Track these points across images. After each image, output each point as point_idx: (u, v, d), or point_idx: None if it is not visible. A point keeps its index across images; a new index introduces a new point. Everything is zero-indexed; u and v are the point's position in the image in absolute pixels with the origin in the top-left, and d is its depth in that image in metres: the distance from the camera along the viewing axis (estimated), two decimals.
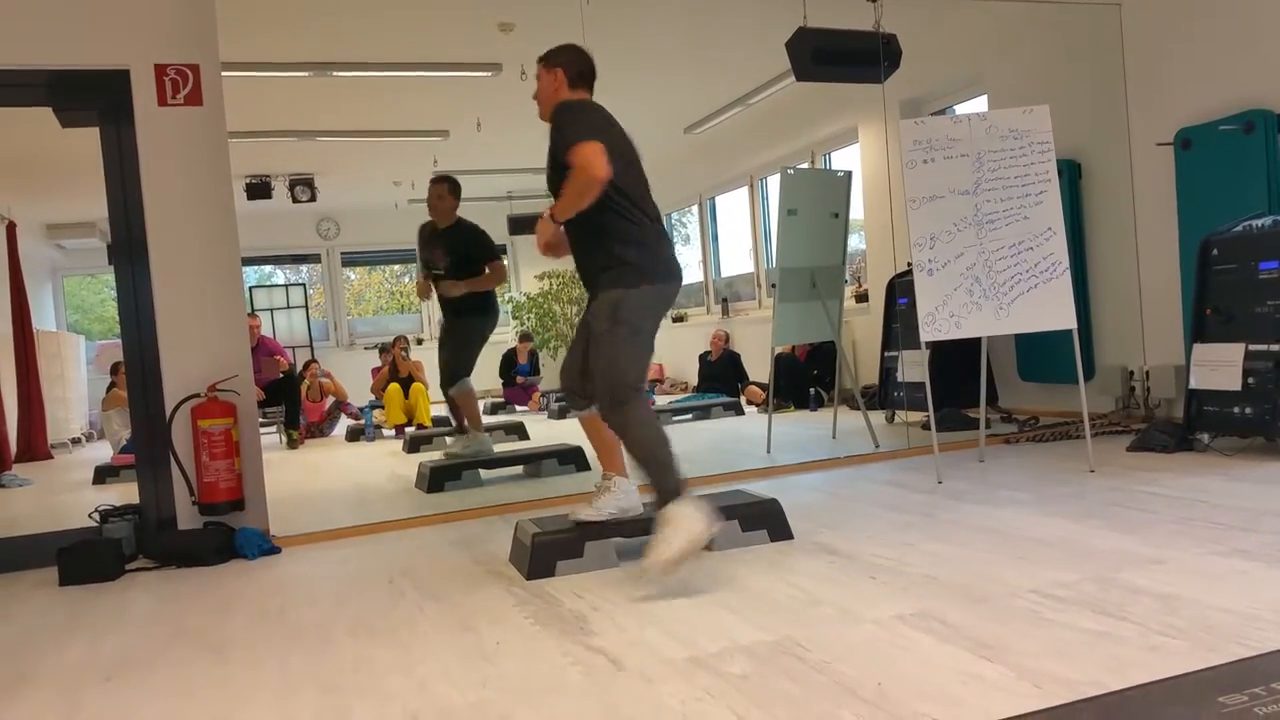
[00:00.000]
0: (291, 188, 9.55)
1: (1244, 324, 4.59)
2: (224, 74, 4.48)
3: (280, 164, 9.34)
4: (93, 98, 4.39)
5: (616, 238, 3.32)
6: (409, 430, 8.64)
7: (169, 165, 4.40)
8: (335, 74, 7.02)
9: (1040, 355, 6.31)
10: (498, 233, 9.42)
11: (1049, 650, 2.27)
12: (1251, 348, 4.53)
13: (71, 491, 6.36)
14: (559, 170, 3.31)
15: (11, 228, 7.02)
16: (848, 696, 2.10)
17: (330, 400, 9.61)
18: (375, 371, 9.59)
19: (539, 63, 3.60)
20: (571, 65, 3.53)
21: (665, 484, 3.16)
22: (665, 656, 2.47)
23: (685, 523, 3.04)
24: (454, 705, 2.27)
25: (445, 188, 6.03)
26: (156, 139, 4.39)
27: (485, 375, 9.90)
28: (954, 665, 2.23)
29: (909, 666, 2.25)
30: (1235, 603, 2.50)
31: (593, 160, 3.14)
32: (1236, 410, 4.56)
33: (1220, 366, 4.64)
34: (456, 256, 5.96)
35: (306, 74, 6.94)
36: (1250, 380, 4.50)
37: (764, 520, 3.64)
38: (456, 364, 6.03)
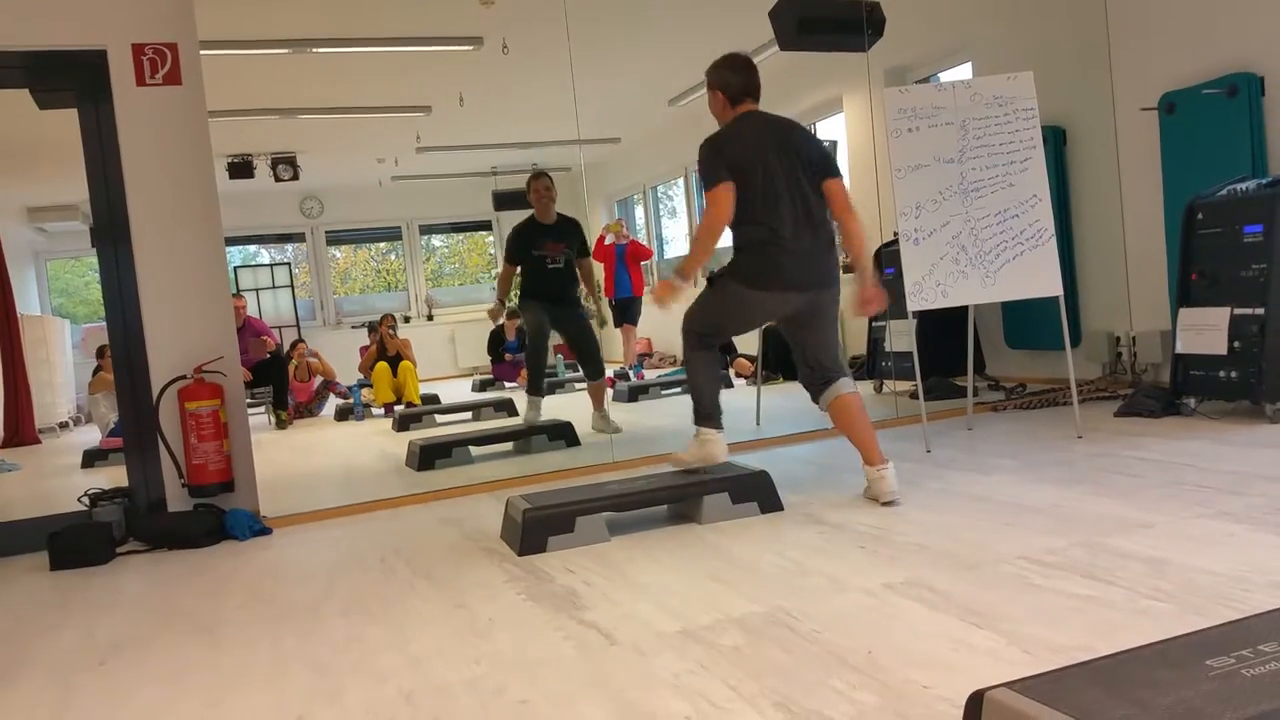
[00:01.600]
0: (274, 166, 9.46)
1: (1229, 287, 4.61)
2: (203, 53, 4.43)
3: (262, 143, 9.26)
4: (70, 78, 4.34)
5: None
6: (398, 409, 8.62)
7: (149, 146, 4.36)
8: (315, 51, 6.95)
9: (1027, 322, 6.33)
10: (483, 208, 9.40)
11: (1038, 616, 2.29)
12: (1237, 311, 4.54)
13: (60, 476, 6.33)
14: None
15: None
16: (839, 665, 2.12)
17: (318, 380, 9.58)
18: (363, 350, 9.56)
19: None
20: (729, 85, 3.81)
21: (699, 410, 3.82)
22: (657, 629, 2.48)
23: (708, 446, 3.76)
24: (448, 682, 2.28)
25: (550, 181, 6.11)
26: (136, 119, 4.35)
27: (474, 352, 9.91)
28: (943, 632, 2.25)
29: (899, 634, 2.27)
30: (1222, 565, 2.52)
31: (715, 201, 3.59)
32: (1222, 374, 4.58)
33: (1206, 330, 4.66)
34: (572, 251, 6.15)
35: (286, 51, 6.87)
36: (1236, 344, 4.52)
37: (754, 492, 3.66)
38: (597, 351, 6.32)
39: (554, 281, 6.13)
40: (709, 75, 3.86)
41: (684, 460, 3.80)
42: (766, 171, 3.61)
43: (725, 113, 3.82)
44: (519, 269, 6.18)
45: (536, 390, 6.20)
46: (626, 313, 8.23)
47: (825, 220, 3.74)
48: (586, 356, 6.33)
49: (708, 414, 3.80)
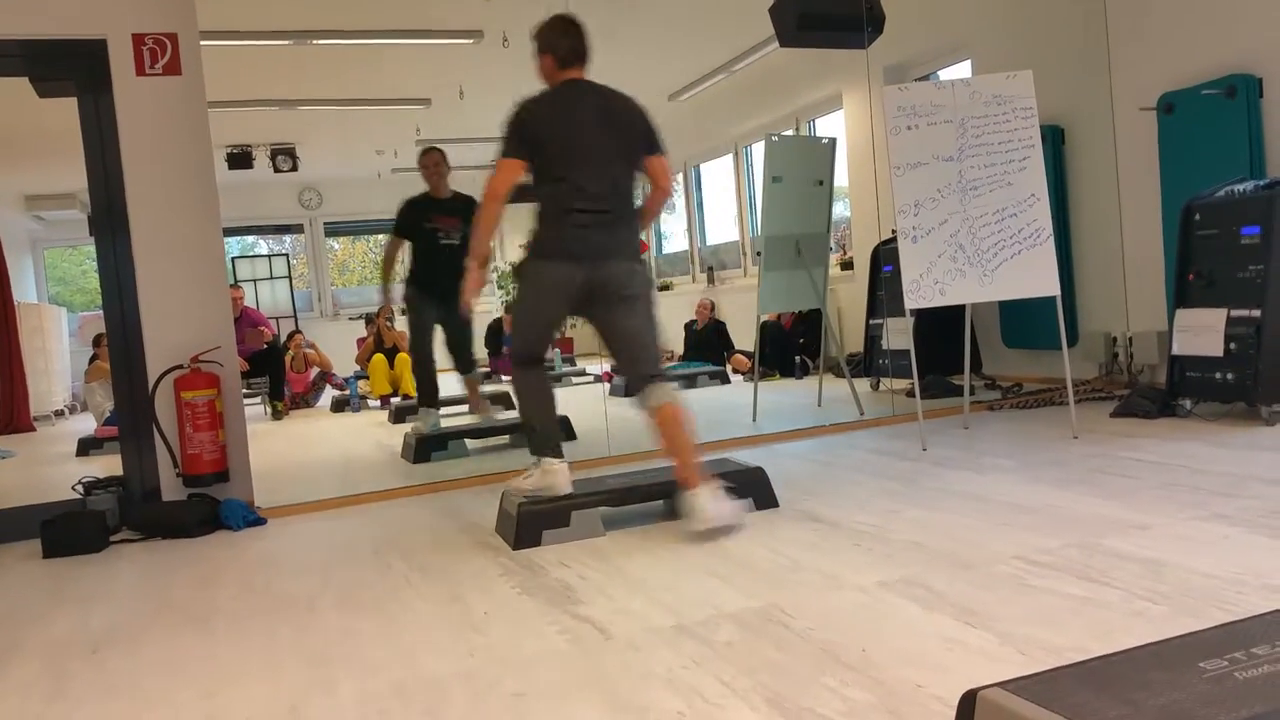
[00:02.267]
0: (273, 157, 9.44)
1: (1226, 289, 4.61)
2: (203, 43, 4.42)
3: (261, 134, 9.24)
4: (70, 68, 4.34)
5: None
6: (394, 400, 8.61)
7: (148, 135, 4.36)
8: (316, 42, 6.93)
9: (1024, 322, 6.33)
10: None
11: (1033, 616, 2.29)
12: (1233, 313, 4.55)
13: (55, 464, 6.32)
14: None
15: None
16: (833, 663, 2.12)
17: (315, 371, 9.57)
18: (360, 342, 9.54)
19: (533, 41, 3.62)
20: (557, 47, 3.55)
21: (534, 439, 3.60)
22: (652, 625, 2.48)
23: (549, 476, 3.53)
24: (441, 675, 2.28)
25: (442, 155, 5.83)
26: (135, 109, 4.34)
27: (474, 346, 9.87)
28: (938, 631, 2.25)
29: (893, 633, 2.27)
30: (1217, 567, 2.52)
31: (498, 170, 3.42)
32: (1218, 376, 4.59)
33: (1202, 332, 4.66)
34: (467, 230, 5.55)
35: (287, 42, 6.85)
36: (1232, 345, 4.52)
37: (750, 488, 3.66)
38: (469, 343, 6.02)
39: (448, 261, 5.49)
40: (536, 39, 3.58)
41: (523, 489, 3.54)
42: (575, 141, 3.41)
43: (554, 77, 3.55)
44: (411, 246, 5.83)
45: (430, 400, 5.86)
46: None
47: (629, 198, 3.53)
48: (459, 351, 6.07)
49: (544, 442, 3.56)
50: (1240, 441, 4.13)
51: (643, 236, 3.64)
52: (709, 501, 3.32)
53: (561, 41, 3.54)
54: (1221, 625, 2.05)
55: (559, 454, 3.57)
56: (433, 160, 5.93)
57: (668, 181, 3.63)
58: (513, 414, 6.83)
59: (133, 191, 4.35)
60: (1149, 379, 5.72)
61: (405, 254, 5.93)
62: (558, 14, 3.62)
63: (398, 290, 6.03)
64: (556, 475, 3.53)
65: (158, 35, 4.35)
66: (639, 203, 3.64)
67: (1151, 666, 1.74)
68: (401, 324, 9.53)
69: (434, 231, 5.77)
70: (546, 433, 3.57)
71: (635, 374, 3.47)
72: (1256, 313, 4.45)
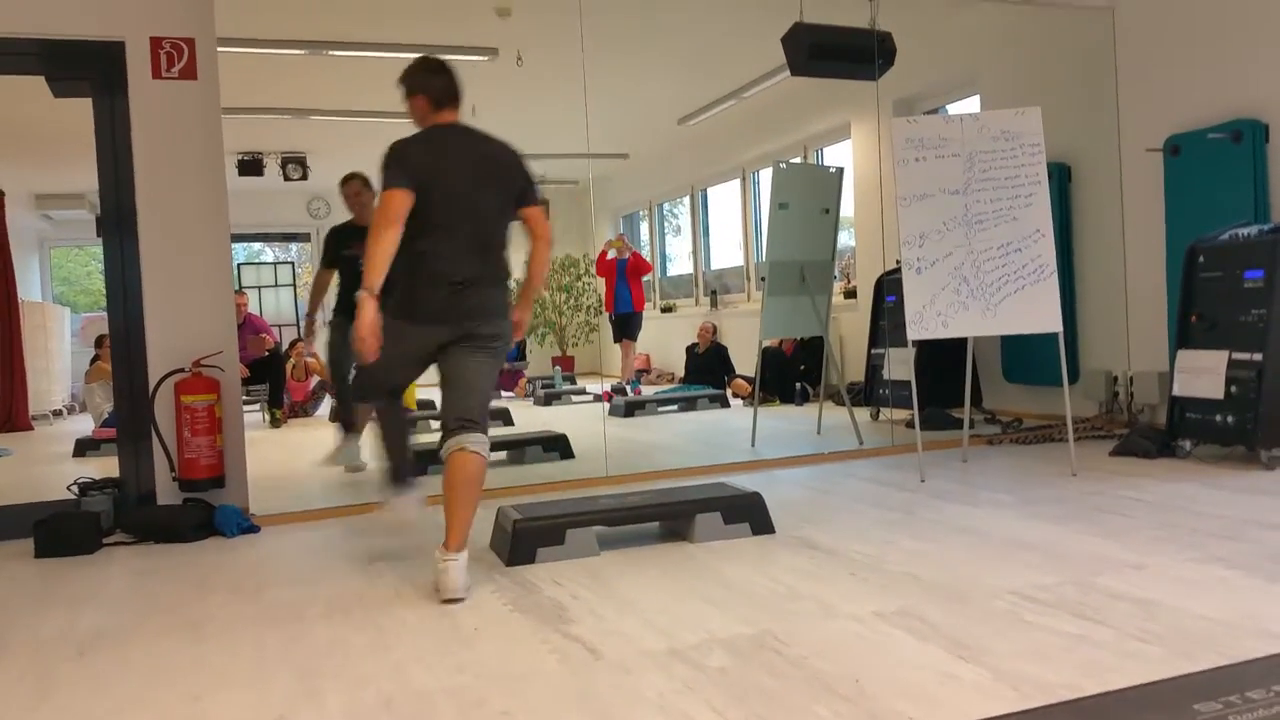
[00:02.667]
0: (283, 166, 9.47)
1: (1228, 332, 4.61)
2: (219, 49, 4.44)
3: (273, 141, 9.27)
4: (87, 68, 4.36)
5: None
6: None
7: (161, 138, 4.38)
8: (331, 53, 6.98)
9: (1025, 357, 6.33)
10: None
11: (1027, 652, 2.28)
12: (1235, 356, 4.55)
13: (51, 463, 6.31)
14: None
15: None
16: (825, 692, 2.11)
17: (315, 380, 9.56)
18: None
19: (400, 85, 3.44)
20: (431, 88, 3.38)
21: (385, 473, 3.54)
22: (644, 647, 2.47)
23: (395, 511, 3.51)
24: (429, 690, 2.26)
25: (364, 182, 5.60)
26: (150, 112, 4.37)
27: None
28: (932, 664, 2.24)
29: (887, 664, 2.26)
30: (1213, 610, 2.51)
31: (384, 203, 3.14)
32: (1219, 418, 4.58)
33: (1203, 374, 4.66)
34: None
35: (302, 52, 6.89)
36: (1233, 388, 4.52)
37: (747, 513, 3.65)
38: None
39: None
40: (406, 81, 3.39)
41: (385, 520, 3.60)
42: (447, 189, 3.21)
43: (427, 119, 3.38)
44: (336, 274, 5.58)
45: (351, 424, 5.49)
46: (626, 328, 8.23)
47: (501, 253, 3.34)
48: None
49: (393, 477, 3.50)
50: (1239, 485, 4.12)
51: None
52: (459, 573, 3.03)
53: (434, 81, 3.37)
54: (1216, 668, 2.05)
55: (405, 487, 3.48)
56: (353, 189, 5.77)
57: (546, 230, 3.43)
58: (510, 430, 6.83)
59: (143, 194, 4.36)
60: (1149, 419, 5.71)
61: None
62: (425, 56, 3.47)
63: (319, 320, 5.86)
64: (400, 510, 3.48)
65: (175, 39, 4.37)
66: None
67: (1145, 707, 1.73)
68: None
69: (355, 259, 5.57)
70: (393, 467, 3.49)
71: (455, 414, 3.18)
72: (1258, 357, 4.45)
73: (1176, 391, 4.81)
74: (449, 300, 3.20)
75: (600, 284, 9.15)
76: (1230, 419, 4.53)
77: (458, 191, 3.23)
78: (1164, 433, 4.90)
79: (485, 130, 3.42)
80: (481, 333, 3.23)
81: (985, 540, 3.40)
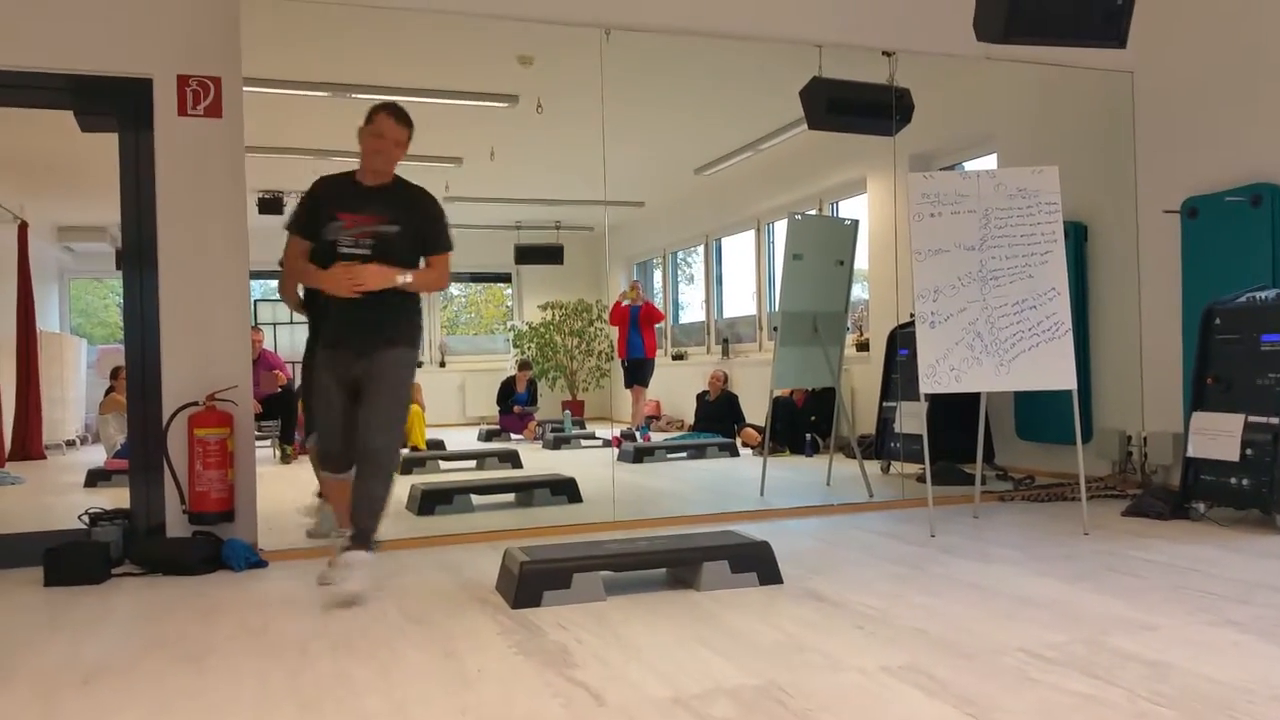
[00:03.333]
0: None
1: (1244, 395, 4.60)
2: (245, 89, 4.52)
3: (294, 181, 9.34)
4: (115, 104, 4.44)
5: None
6: (402, 452, 8.60)
7: (184, 174, 4.44)
8: (353, 96, 7.07)
9: (1039, 414, 6.31)
10: (504, 261, 9.45)
11: (1035, 710, 2.26)
12: (1251, 419, 4.53)
13: (62, 493, 6.32)
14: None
15: (23, 228, 7.04)
16: None
17: None
18: None
19: (407, 128, 3.85)
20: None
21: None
22: (648, 694, 2.45)
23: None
24: None
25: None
26: (174, 148, 4.43)
27: (483, 402, 9.91)
28: None
29: (893, 719, 2.24)
30: (1226, 674, 2.48)
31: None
32: (1233, 481, 4.55)
33: (1219, 436, 4.64)
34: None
35: (325, 94, 6.99)
36: (1249, 452, 4.50)
37: (754, 563, 3.63)
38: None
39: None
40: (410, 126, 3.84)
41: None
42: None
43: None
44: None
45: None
46: (637, 373, 8.24)
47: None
48: None
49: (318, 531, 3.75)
50: (1253, 548, 4.08)
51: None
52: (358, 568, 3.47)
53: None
54: None
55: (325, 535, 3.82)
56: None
57: None
58: (518, 473, 6.82)
59: (164, 228, 4.42)
60: (1163, 480, 5.68)
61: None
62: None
63: None
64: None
65: (202, 78, 4.45)
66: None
67: None
68: (415, 376, 9.52)
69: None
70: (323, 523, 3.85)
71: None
72: (1275, 420, 4.43)
73: (1191, 453, 4.78)
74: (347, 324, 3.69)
75: (613, 330, 9.18)
76: (1245, 482, 4.50)
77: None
78: (1178, 494, 4.86)
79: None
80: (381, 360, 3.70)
81: (995, 597, 3.37)
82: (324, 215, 3.67)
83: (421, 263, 3.76)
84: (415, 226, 3.74)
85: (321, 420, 3.71)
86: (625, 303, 8.42)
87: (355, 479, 3.60)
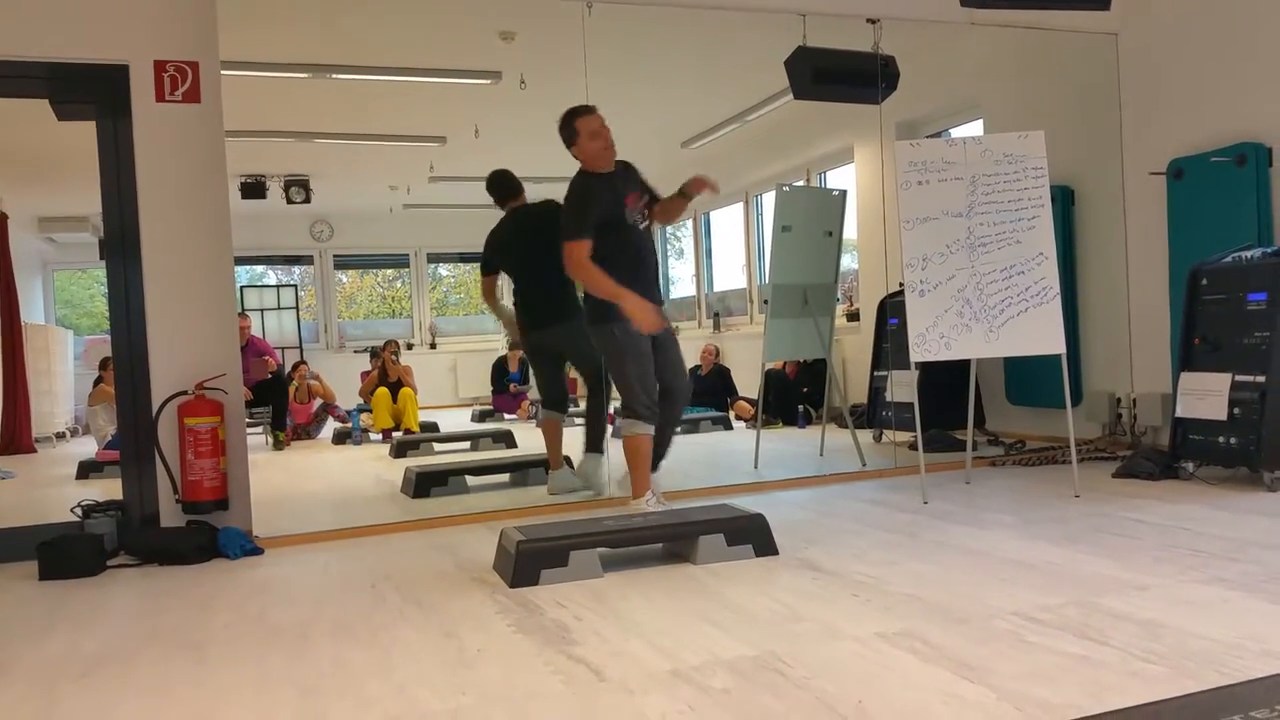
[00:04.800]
0: (286, 189, 9.52)
1: (1231, 354, 4.62)
2: (223, 72, 4.48)
3: (276, 164, 9.32)
4: (91, 91, 4.39)
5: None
6: (396, 435, 8.61)
7: (165, 162, 4.40)
8: (334, 76, 7.02)
9: (1028, 379, 6.33)
10: None
11: (1030, 673, 2.28)
12: (1238, 378, 4.55)
13: (54, 486, 6.32)
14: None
15: (3, 220, 7.00)
16: (828, 713, 2.10)
17: (318, 402, 9.57)
18: (364, 375, 9.56)
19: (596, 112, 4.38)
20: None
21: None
22: (647, 668, 2.47)
23: None
24: (433, 711, 2.26)
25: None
26: (153, 135, 4.39)
27: (476, 383, 9.91)
28: (935, 685, 2.24)
29: (890, 685, 2.25)
30: (1216, 631, 2.50)
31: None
32: (1222, 440, 4.58)
33: (1207, 396, 4.66)
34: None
35: (305, 75, 6.94)
36: (1236, 410, 4.52)
37: (749, 535, 3.64)
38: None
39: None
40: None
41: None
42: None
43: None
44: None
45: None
46: None
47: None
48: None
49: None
50: (1242, 506, 4.11)
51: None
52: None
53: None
54: (1220, 688, 2.04)
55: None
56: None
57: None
58: (513, 452, 6.82)
59: (146, 217, 4.38)
60: (1152, 441, 5.71)
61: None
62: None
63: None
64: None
65: (179, 63, 4.41)
66: None
67: None
68: (407, 359, 9.55)
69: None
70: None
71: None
72: (1261, 378, 4.45)
73: (1179, 413, 4.80)
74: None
75: None
76: (1233, 441, 4.53)
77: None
78: (1167, 454, 4.90)
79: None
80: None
81: (988, 561, 3.39)
82: (615, 204, 4.35)
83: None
84: (645, 187, 4.61)
85: (649, 379, 4.32)
86: None
87: (668, 414, 4.42)
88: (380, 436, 8.85)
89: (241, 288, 10.77)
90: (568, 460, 5.50)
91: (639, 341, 4.28)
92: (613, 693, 2.31)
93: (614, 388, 4.62)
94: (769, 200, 8.90)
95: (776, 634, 2.70)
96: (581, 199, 4.31)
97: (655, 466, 4.36)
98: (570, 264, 4.26)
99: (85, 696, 2.50)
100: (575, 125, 4.33)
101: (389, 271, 12.81)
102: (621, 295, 4.16)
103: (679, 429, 7.12)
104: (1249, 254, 4.71)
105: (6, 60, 4.23)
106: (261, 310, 10.90)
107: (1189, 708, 1.90)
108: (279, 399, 8.74)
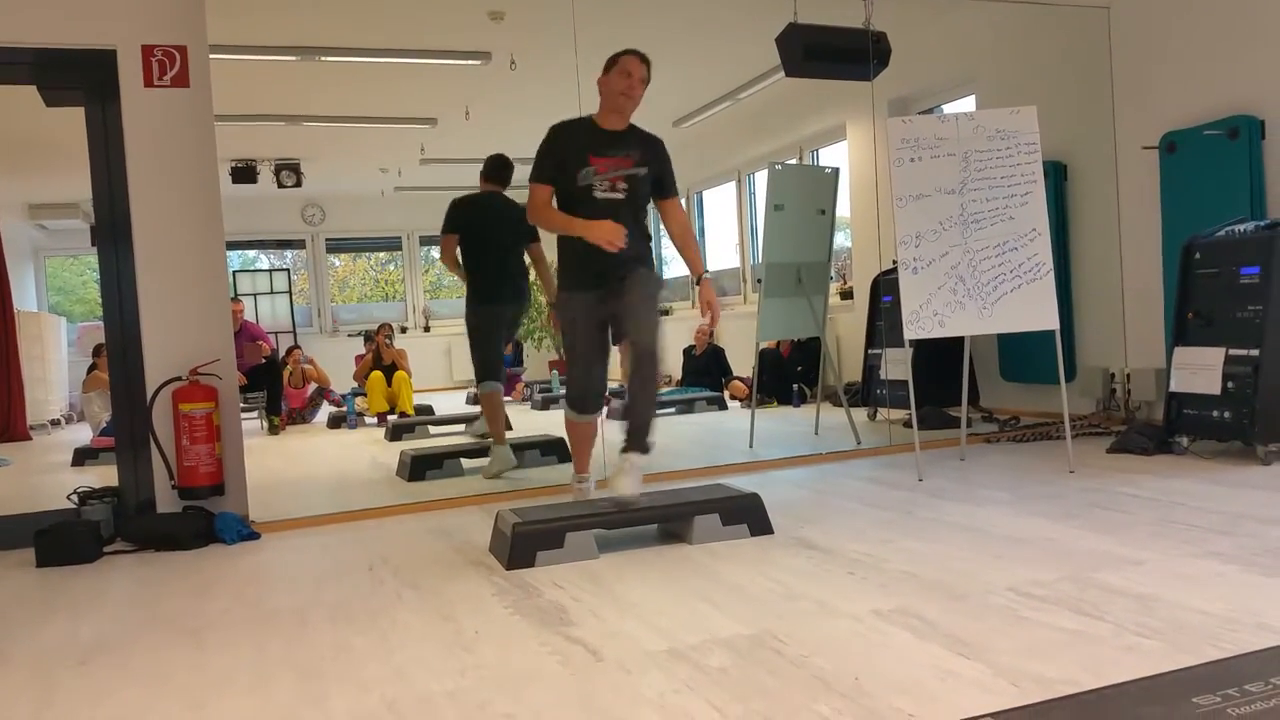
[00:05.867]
0: (277, 172, 9.48)
1: (1224, 328, 4.63)
2: (211, 56, 4.45)
3: (266, 148, 9.28)
4: (79, 77, 4.36)
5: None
6: (391, 418, 8.61)
7: (154, 147, 4.38)
8: (323, 59, 6.98)
9: (1022, 356, 6.34)
10: None
11: (1026, 648, 2.29)
12: (1231, 352, 4.56)
13: (50, 473, 6.32)
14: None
15: None
16: (825, 690, 2.11)
17: (312, 387, 9.56)
18: (359, 359, 9.55)
19: (649, 66, 4.01)
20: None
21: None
22: (644, 648, 2.48)
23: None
24: (431, 693, 2.27)
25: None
26: (142, 120, 4.36)
27: (470, 365, 9.87)
28: (931, 661, 2.25)
29: (886, 661, 2.27)
30: (1211, 605, 2.52)
31: None
32: (1215, 414, 4.60)
33: (1200, 370, 4.67)
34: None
35: (294, 58, 6.89)
36: (1230, 384, 4.54)
37: (745, 514, 3.65)
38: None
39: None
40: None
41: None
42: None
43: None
44: None
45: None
46: None
47: None
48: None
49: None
50: (1236, 480, 4.13)
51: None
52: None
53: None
54: (1215, 661, 2.05)
55: None
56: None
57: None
58: (507, 434, 6.80)
59: (137, 202, 4.36)
60: (1146, 415, 5.73)
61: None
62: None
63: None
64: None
65: (167, 47, 4.38)
66: None
67: (1144, 701, 1.73)
68: (401, 342, 9.54)
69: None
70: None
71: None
72: (1255, 352, 4.46)
73: (1173, 388, 4.82)
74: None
75: None
76: (1227, 415, 4.54)
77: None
78: (1161, 429, 4.91)
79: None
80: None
81: (983, 538, 3.41)
82: (574, 161, 3.80)
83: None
84: (655, 169, 3.98)
85: (583, 360, 3.93)
86: None
87: (634, 383, 3.74)
88: (375, 420, 8.85)
89: (234, 272, 10.73)
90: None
91: (576, 324, 3.91)
92: (610, 673, 2.32)
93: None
94: (761, 179, 8.89)
95: (773, 612, 2.71)
96: (548, 142, 3.91)
97: (642, 435, 3.75)
98: (529, 207, 3.89)
99: (83, 684, 2.51)
100: (619, 59, 3.94)
101: (382, 255, 12.77)
102: (573, 226, 3.77)
103: (672, 408, 7.12)
104: (1242, 227, 4.72)
105: None
106: (254, 295, 10.87)
107: (1184, 681, 1.91)
108: (273, 383, 8.73)
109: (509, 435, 5.60)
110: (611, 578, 3.19)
